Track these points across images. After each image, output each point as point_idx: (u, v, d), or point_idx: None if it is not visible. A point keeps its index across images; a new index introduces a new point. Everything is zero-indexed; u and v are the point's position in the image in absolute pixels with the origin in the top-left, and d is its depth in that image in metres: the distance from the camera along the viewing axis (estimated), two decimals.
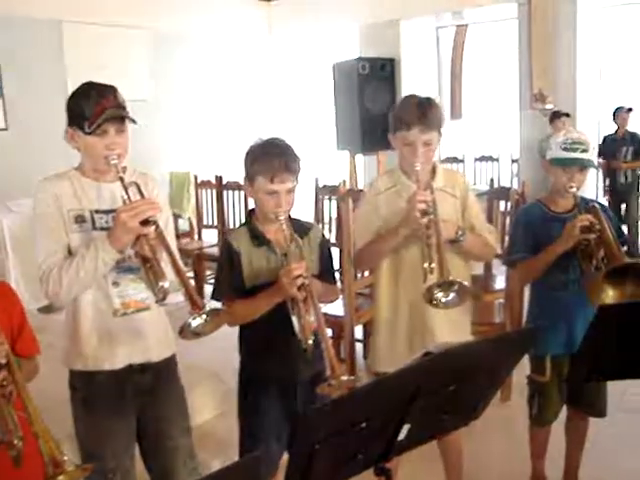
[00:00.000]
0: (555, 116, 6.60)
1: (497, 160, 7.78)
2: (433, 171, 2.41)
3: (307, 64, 9.14)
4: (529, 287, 2.78)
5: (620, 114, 6.80)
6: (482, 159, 7.93)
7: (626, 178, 6.86)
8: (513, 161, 7.34)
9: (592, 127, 7.26)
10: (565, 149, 2.49)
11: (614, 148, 6.82)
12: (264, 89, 8.75)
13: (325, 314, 3.89)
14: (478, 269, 4.62)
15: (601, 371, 1.83)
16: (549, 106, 6.90)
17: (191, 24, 7.68)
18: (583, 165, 2.49)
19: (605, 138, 6.94)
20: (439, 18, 8.47)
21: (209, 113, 7.96)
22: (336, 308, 3.91)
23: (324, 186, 4.91)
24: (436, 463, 2.71)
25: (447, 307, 2.15)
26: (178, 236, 6.75)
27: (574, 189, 2.48)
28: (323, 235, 2.37)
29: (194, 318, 1.80)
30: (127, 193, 1.92)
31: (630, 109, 6.82)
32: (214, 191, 5.81)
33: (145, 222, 1.85)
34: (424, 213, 2.15)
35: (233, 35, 8.40)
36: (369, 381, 1.74)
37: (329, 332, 4.44)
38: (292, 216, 2.22)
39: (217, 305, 2.10)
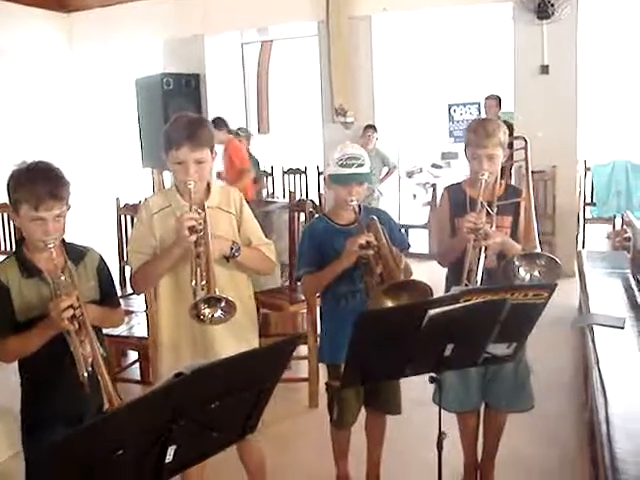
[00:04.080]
0: (365, 129, 7.01)
1: (305, 172, 8.00)
2: (208, 190, 2.41)
3: (110, 79, 8.83)
4: (320, 296, 2.86)
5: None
6: (290, 172, 8.12)
7: None
8: (320, 173, 7.59)
9: (391, 138, 7.72)
10: (341, 165, 2.59)
11: None
12: (65, 105, 8.33)
13: (130, 337, 3.88)
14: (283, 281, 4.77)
15: (370, 374, 1.92)
16: (350, 119, 7.25)
17: None
18: (358, 180, 2.60)
19: None
20: (244, 34, 8.58)
21: (7, 131, 7.46)
22: (141, 330, 3.83)
23: (125, 205, 4.75)
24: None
25: (215, 323, 2.16)
26: None
27: (354, 202, 2.58)
28: (101, 258, 2.28)
29: None
30: None
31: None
32: None
33: None
34: (193, 231, 2.15)
35: (32, 49, 7.94)
36: (118, 406, 1.70)
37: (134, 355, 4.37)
38: (66, 241, 2.14)
39: None
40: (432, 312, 1.78)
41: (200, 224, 2.17)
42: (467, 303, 1.78)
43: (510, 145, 2.84)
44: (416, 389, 2.34)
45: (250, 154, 7.02)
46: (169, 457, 1.43)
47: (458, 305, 1.78)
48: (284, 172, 8.21)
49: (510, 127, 6.73)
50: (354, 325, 1.75)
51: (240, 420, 1.57)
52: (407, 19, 7.56)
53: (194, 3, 7.64)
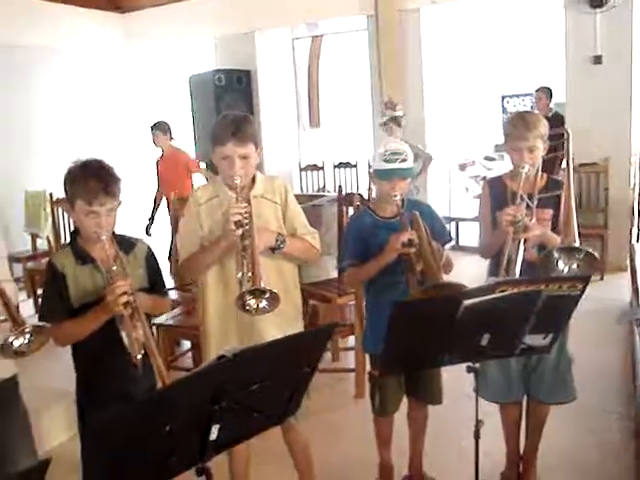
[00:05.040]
0: (386, 123, 7.01)
1: (355, 166, 8.04)
2: (253, 181, 2.50)
3: (164, 77, 9.05)
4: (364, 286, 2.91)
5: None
6: (340, 165, 8.17)
7: None
8: (370, 167, 7.61)
9: (440, 131, 7.69)
10: (385, 160, 2.65)
11: None
12: (121, 103, 8.59)
13: (182, 326, 4.03)
14: (334, 273, 4.84)
15: (407, 362, 1.98)
16: (399, 113, 7.24)
17: (44, 37, 7.42)
18: (402, 175, 2.65)
19: None
20: (294, 30, 8.68)
21: (65, 129, 7.72)
22: (194, 319, 3.96)
23: (178, 199, 4.89)
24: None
25: (260, 313, 2.25)
26: (36, 256, 6.54)
27: (397, 196, 2.64)
28: (150, 249, 2.41)
29: (16, 337, 1.81)
30: None
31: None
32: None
33: None
34: (239, 225, 2.24)
35: (89, 48, 8.23)
36: (166, 385, 1.80)
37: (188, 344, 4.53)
38: (117, 232, 2.27)
39: (39, 323, 2.08)
40: (467, 302, 1.83)
41: (246, 218, 2.26)
42: (501, 294, 1.82)
43: (559, 137, 2.84)
44: (461, 380, 2.37)
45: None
46: (213, 435, 1.52)
47: (493, 296, 1.82)
48: (335, 166, 8.27)
49: (561, 119, 6.65)
50: (390, 315, 1.82)
51: (280, 403, 1.65)
52: (456, 10, 7.52)
53: (245, 0, 7.77)
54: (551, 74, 7.66)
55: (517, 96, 10.36)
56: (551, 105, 7.24)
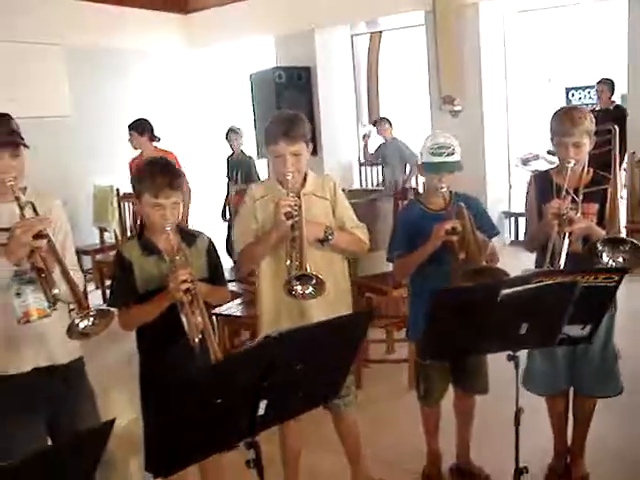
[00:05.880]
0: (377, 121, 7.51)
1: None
2: (304, 179, 2.63)
3: (226, 75, 9.29)
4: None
5: None
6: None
7: None
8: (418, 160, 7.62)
9: (500, 126, 7.65)
10: (433, 154, 2.74)
11: None
12: (184, 101, 8.86)
13: (242, 316, 4.20)
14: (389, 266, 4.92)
15: (447, 348, 2.07)
16: (457, 107, 7.27)
17: (110, 39, 7.74)
18: (448, 169, 2.74)
19: None
20: (353, 26, 8.76)
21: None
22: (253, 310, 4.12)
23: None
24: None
25: (307, 298, 2.38)
26: (103, 249, 6.88)
27: (444, 189, 2.72)
28: (210, 241, 2.58)
29: (81, 319, 1.98)
30: (22, 211, 2.11)
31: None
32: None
33: (38, 236, 2.03)
34: (289, 216, 2.38)
35: (152, 48, 8.50)
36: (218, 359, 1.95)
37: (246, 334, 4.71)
38: (180, 225, 2.44)
39: (103, 307, 2.26)
40: (505, 291, 1.91)
41: (295, 210, 2.40)
42: (538, 284, 1.89)
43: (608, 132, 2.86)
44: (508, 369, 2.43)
45: (243, 152, 7.13)
46: (261, 410, 1.66)
47: (529, 286, 1.90)
48: None
49: (623, 112, 6.53)
50: (429, 302, 1.91)
51: (323, 384, 1.78)
52: (516, 3, 7.46)
53: None
54: (616, 66, 7.51)
55: (582, 88, 10.16)
56: (615, 98, 7.11)
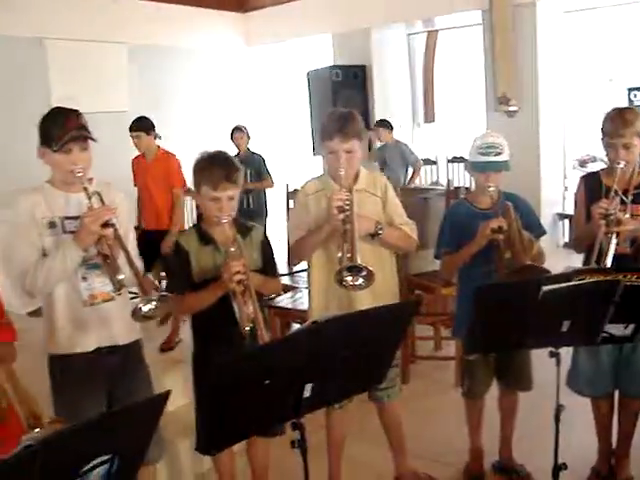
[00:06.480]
0: (377, 124, 7.32)
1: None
2: (357, 175, 2.72)
3: (283, 73, 9.43)
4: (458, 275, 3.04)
5: None
6: (454, 160, 8.21)
7: None
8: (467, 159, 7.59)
9: (557, 127, 7.56)
10: (481, 153, 2.79)
11: None
12: (243, 99, 9.03)
13: (293, 309, 4.30)
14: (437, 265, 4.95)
15: (490, 343, 2.13)
16: (513, 108, 7.22)
17: (170, 37, 7.98)
18: (496, 168, 2.78)
19: None
20: (410, 25, 8.78)
21: (190, 124, 8.21)
22: (305, 303, 4.23)
23: (294, 190, 5.21)
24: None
25: (357, 289, 2.46)
26: None
27: (492, 188, 2.76)
28: (264, 234, 2.68)
29: (144, 304, 2.13)
30: (90, 201, 2.26)
31: None
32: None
33: (105, 225, 2.19)
34: (341, 210, 2.46)
35: (212, 47, 8.71)
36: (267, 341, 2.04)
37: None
38: (236, 218, 2.54)
39: (164, 292, 2.40)
40: (546, 288, 1.95)
41: (347, 205, 2.48)
42: (579, 282, 1.93)
43: None
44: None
45: (250, 151, 6.72)
46: (307, 393, 1.75)
47: (570, 283, 1.94)
48: (448, 160, 8.33)
49: None
50: (473, 297, 1.98)
51: (367, 371, 1.86)
52: (575, 1, 7.35)
53: None
54: None
55: None
56: None
